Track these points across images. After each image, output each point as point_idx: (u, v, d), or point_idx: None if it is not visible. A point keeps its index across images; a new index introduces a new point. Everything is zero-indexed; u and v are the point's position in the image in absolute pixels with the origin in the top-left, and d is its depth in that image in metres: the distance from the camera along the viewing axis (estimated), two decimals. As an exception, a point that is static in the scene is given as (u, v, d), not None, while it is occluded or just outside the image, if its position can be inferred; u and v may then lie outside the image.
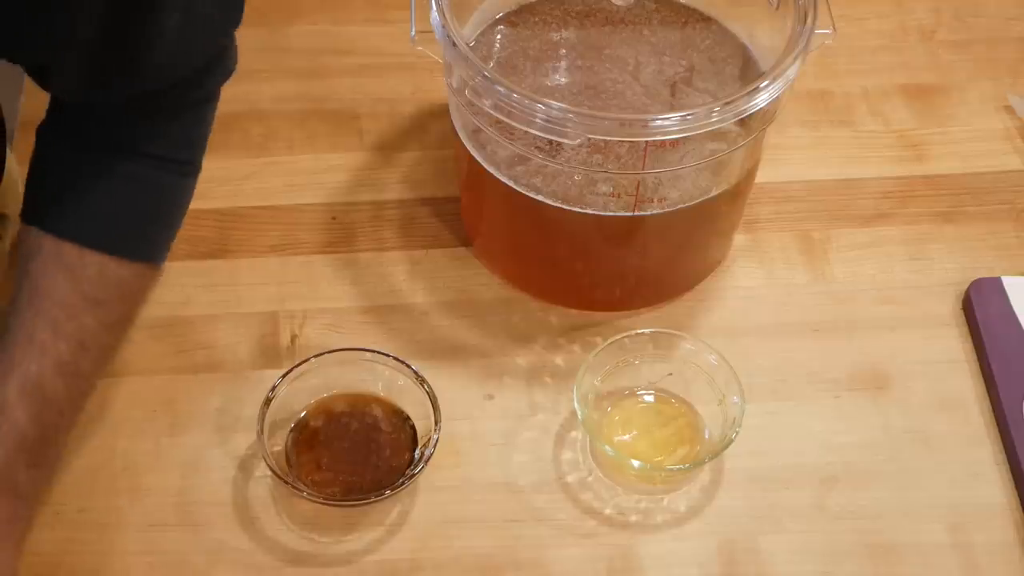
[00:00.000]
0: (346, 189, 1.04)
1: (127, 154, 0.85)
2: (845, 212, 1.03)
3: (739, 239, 1.01)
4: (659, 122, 0.81)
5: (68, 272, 0.83)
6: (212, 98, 0.88)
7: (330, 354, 0.88)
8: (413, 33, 0.87)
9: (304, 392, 0.88)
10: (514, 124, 0.83)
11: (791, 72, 0.84)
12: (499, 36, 0.95)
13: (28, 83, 1.04)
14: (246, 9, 0.85)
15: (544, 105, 0.81)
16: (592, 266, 0.95)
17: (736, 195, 0.94)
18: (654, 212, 0.89)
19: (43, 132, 0.87)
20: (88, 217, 0.84)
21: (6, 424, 0.79)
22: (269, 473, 0.85)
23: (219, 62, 0.85)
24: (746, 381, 0.88)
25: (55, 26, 0.75)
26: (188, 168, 0.88)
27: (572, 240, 0.93)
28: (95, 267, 0.83)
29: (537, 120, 0.82)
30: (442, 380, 0.89)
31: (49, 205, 0.85)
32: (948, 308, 0.97)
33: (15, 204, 0.91)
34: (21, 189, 0.88)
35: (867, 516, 0.87)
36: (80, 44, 0.76)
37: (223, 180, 1.03)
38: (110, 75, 0.80)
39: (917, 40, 1.16)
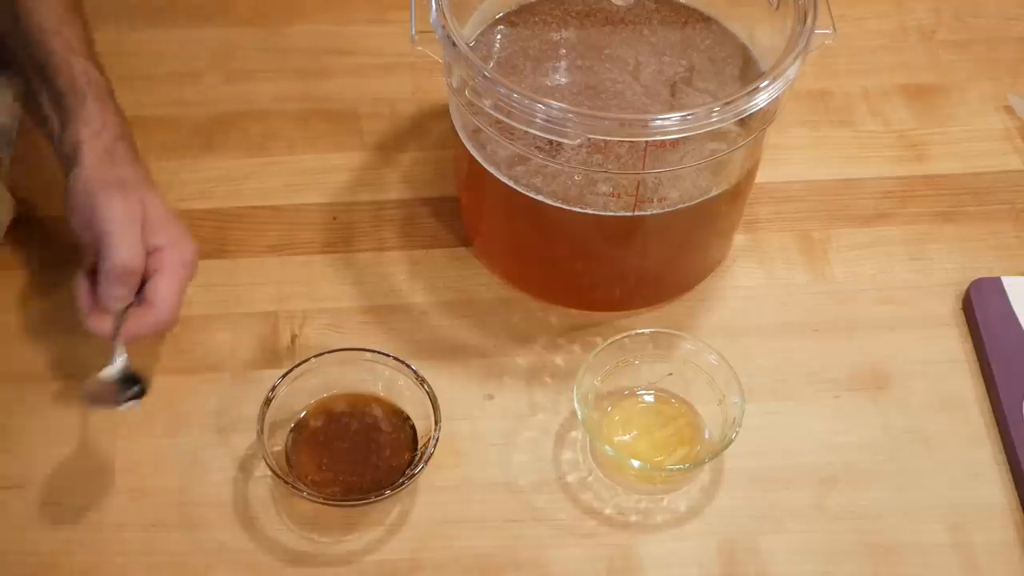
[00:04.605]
0: (346, 189, 1.04)
1: None
2: (845, 212, 1.03)
3: (739, 239, 1.01)
4: (659, 122, 0.81)
5: None
6: None
7: (330, 354, 0.88)
8: (413, 33, 0.87)
9: (304, 392, 0.88)
10: (514, 124, 0.83)
11: (791, 72, 0.84)
12: (499, 36, 0.95)
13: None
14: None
15: (544, 105, 0.81)
16: (592, 266, 0.95)
17: (736, 195, 0.94)
18: (654, 212, 0.89)
19: None
20: None
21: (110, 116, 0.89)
22: (269, 473, 0.85)
23: None
24: (746, 381, 0.88)
25: None
26: None
27: (572, 240, 0.92)
28: None
29: (537, 120, 0.82)
30: (442, 380, 0.89)
31: None
32: (948, 308, 0.97)
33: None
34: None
35: (867, 516, 0.87)
36: None
37: (222, 180, 1.03)
38: None
39: (917, 40, 1.16)
